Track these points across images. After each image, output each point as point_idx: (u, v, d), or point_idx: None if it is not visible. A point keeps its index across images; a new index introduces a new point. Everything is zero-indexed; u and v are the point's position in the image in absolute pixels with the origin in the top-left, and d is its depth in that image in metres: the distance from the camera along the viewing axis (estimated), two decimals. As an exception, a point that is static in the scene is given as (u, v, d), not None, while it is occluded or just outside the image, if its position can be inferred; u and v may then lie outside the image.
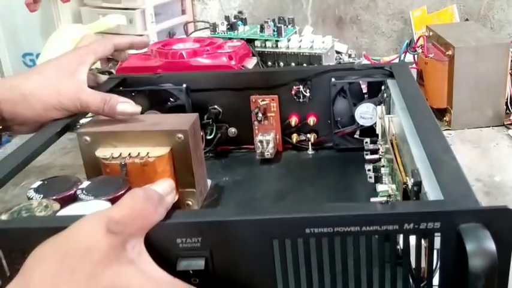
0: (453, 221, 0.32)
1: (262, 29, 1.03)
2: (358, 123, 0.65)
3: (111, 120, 0.52)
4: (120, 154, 0.48)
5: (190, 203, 0.52)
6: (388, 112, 0.59)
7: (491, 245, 0.30)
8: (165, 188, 0.35)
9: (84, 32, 1.06)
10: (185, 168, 0.51)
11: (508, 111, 0.81)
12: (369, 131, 0.65)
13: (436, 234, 0.33)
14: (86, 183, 0.42)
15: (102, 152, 0.48)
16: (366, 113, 0.65)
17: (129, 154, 0.48)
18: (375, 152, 0.60)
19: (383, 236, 0.33)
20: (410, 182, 0.40)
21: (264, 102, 0.66)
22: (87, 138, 0.49)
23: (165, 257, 0.33)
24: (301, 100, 0.66)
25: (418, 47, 0.86)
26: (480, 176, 0.67)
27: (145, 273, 0.31)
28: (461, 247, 0.31)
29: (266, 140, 0.65)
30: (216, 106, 0.68)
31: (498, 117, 0.81)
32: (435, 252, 0.33)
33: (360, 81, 0.65)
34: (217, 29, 1.06)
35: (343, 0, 1.22)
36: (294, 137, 0.68)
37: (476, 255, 0.30)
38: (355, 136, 0.67)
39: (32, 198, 0.40)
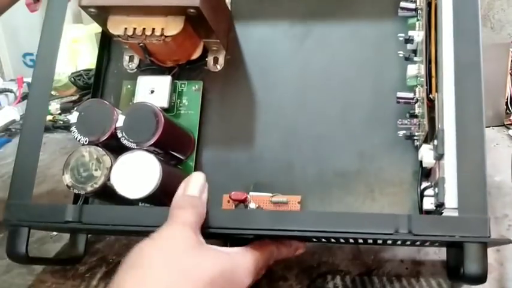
0: (459, 242, 0.37)
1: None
2: None
3: None
4: (134, 31, 0.47)
5: (215, 48, 0.53)
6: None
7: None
8: (199, 189, 0.41)
9: (84, 32, 1.05)
10: (207, 30, 0.50)
11: (508, 111, 0.81)
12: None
13: None
14: (121, 120, 0.45)
15: (114, 28, 0.48)
16: None
17: (144, 32, 0.47)
18: (412, 10, 0.49)
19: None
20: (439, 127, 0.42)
21: None
22: (92, 10, 0.48)
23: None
24: None
25: (418, 47, 0.85)
26: (480, 176, 0.67)
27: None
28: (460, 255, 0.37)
29: None
30: None
31: (498, 117, 0.81)
32: None
33: None
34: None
35: (343, 0, 1.22)
36: None
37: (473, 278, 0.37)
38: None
39: (77, 139, 0.45)
